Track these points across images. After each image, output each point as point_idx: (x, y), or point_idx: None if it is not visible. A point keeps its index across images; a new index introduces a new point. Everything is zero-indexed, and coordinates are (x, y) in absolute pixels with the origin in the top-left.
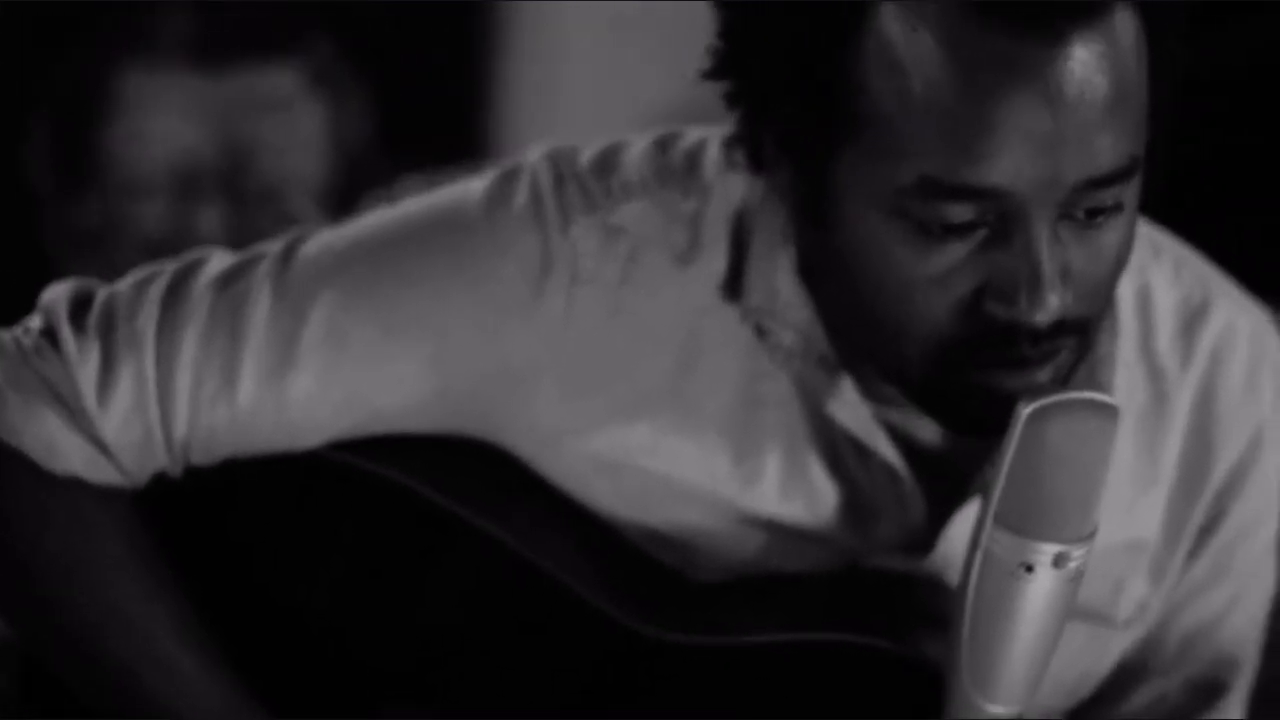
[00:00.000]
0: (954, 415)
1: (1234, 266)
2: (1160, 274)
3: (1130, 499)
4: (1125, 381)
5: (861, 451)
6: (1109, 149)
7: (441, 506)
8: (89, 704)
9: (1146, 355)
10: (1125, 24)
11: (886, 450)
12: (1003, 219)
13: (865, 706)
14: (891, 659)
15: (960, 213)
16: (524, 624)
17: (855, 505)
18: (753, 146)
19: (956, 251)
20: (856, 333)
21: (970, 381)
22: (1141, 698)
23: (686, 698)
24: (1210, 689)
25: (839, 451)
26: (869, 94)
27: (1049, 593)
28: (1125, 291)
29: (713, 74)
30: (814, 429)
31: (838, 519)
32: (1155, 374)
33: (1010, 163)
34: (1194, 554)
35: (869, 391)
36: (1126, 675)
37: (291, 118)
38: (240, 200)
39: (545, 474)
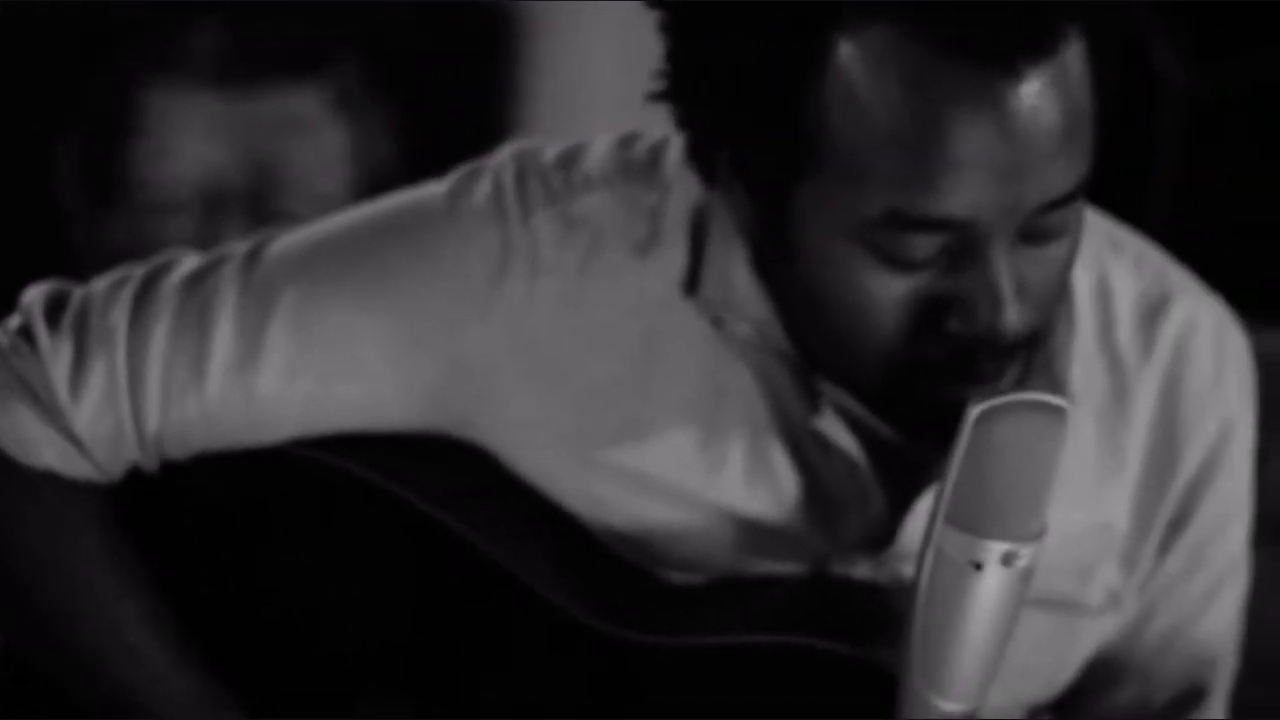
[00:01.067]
0: (909, 424)
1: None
2: (1120, 267)
3: (1094, 485)
4: (1084, 372)
5: (822, 442)
6: (1063, 173)
7: (408, 502)
8: (66, 694)
9: (1107, 347)
10: (1074, 52)
11: (845, 441)
12: (964, 245)
13: (820, 708)
14: (847, 661)
15: (925, 244)
16: (488, 622)
17: (818, 496)
18: (705, 165)
19: (919, 277)
20: (814, 344)
21: (927, 393)
22: (1123, 698)
23: (644, 697)
24: (1191, 690)
25: (800, 442)
26: (830, 129)
27: (998, 590)
28: (1084, 284)
29: (661, 97)
30: (775, 419)
31: (801, 510)
32: (1116, 365)
33: (971, 193)
34: (1165, 548)
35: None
36: (1107, 672)
37: (316, 138)
38: (264, 219)
39: (516, 470)
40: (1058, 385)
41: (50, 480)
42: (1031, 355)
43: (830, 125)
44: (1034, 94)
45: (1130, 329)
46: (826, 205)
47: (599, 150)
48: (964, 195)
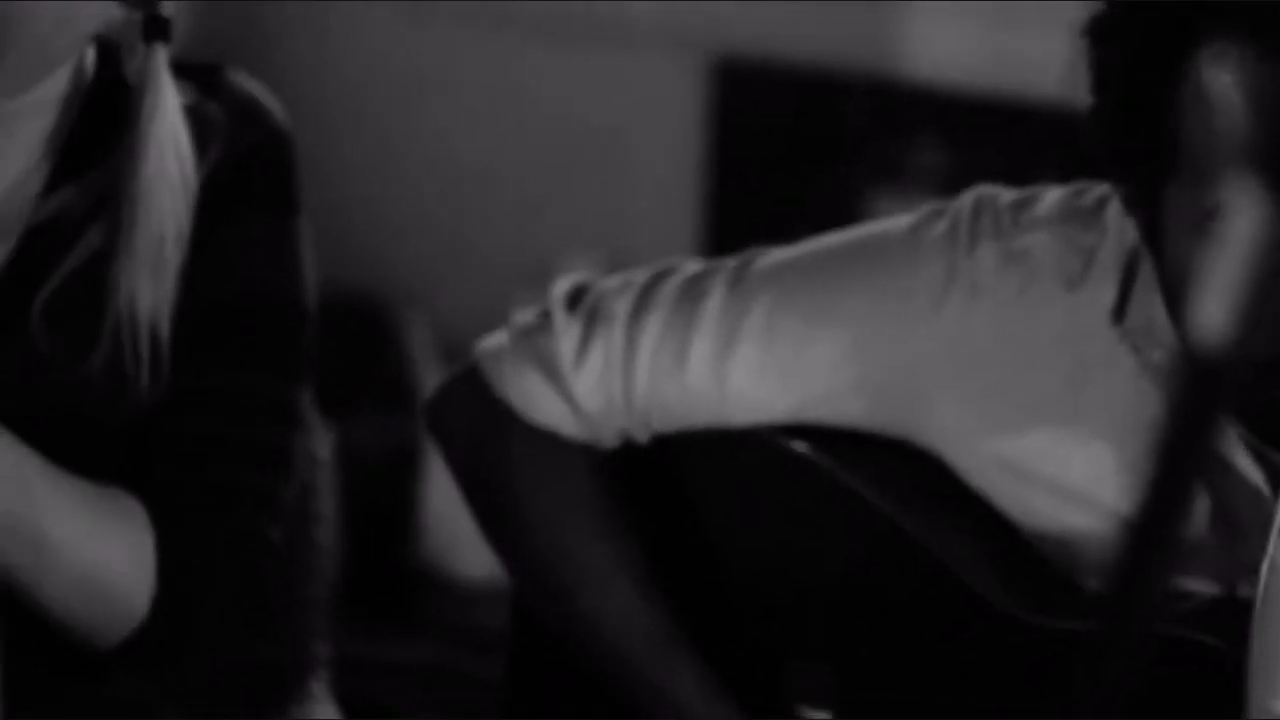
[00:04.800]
0: (1262, 425)
1: None
2: None
3: None
4: None
5: (1228, 469)
6: None
7: (853, 490)
8: (545, 622)
9: None
10: None
11: (1249, 469)
12: None
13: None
14: (1225, 657)
15: None
16: (912, 600)
17: (1224, 521)
18: (1123, 189)
19: None
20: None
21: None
22: None
23: (1051, 682)
24: None
25: (1209, 467)
26: (1186, 129)
27: None
28: None
29: (1091, 126)
30: None
31: (1207, 531)
32: None
33: None
34: None
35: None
36: None
37: None
38: None
39: (956, 471)
40: None
41: (549, 436)
42: None
43: (1186, 124)
44: None
45: None
46: (1182, 203)
47: (1052, 197)
48: None
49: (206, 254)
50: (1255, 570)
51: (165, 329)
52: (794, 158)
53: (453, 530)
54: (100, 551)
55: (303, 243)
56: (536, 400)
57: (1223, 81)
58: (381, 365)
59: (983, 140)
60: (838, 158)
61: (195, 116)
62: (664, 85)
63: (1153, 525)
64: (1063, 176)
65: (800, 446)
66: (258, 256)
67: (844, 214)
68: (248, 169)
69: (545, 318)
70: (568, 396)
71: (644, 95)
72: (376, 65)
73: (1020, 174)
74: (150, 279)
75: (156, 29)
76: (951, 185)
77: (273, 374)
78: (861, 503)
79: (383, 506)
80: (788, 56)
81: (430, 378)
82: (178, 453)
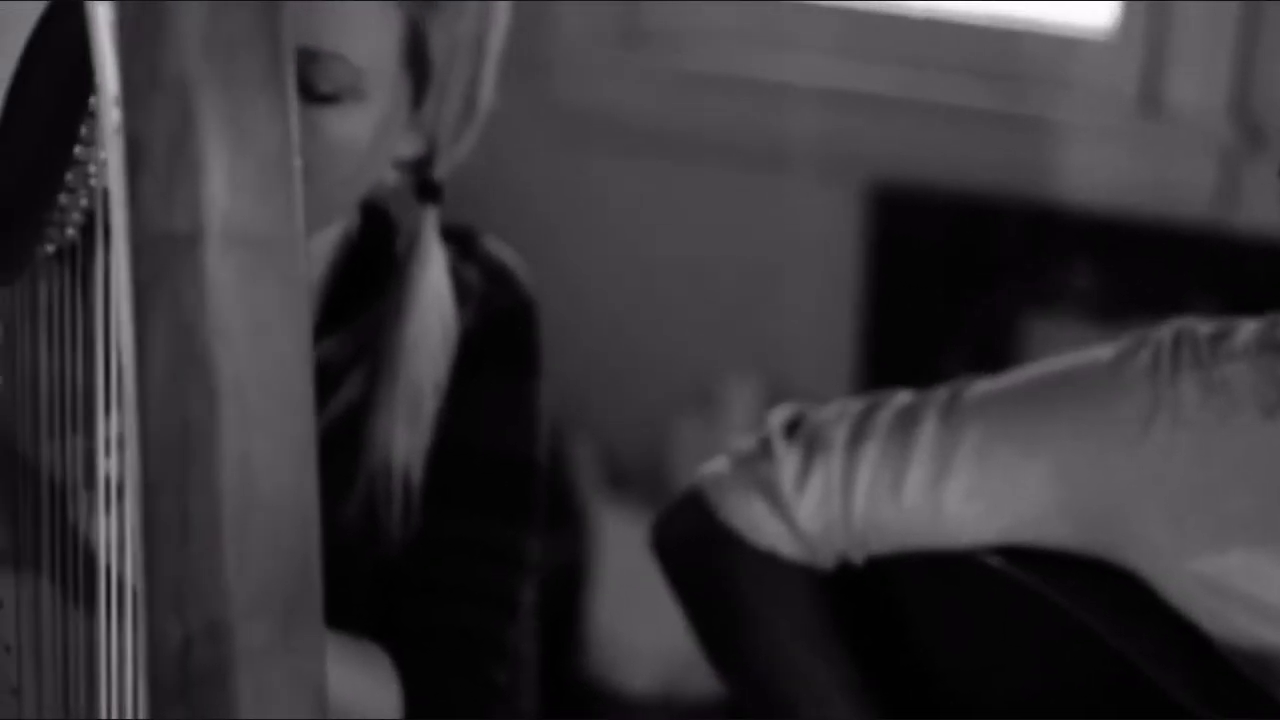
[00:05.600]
0: None
1: None
2: None
3: None
4: None
5: None
6: None
7: (1055, 603)
8: None
9: None
10: None
11: None
12: None
13: None
14: None
15: None
16: (1117, 712)
17: None
18: None
19: None
20: None
21: None
22: None
23: None
24: None
25: None
26: None
27: None
28: None
29: None
30: None
31: None
32: None
33: None
34: None
35: None
36: None
37: None
38: None
39: (1159, 590)
40: None
41: (771, 557)
42: None
43: None
44: None
45: None
46: None
47: (1248, 329)
48: None
49: (454, 408)
50: None
51: (417, 476)
52: (950, 282)
53: (619, 644)
54: (356, 693)
55: (541, 401)
56: (759, 523)
57: None
58: (549, 483)
59: (1136, 263)
60: (993, 282)
61: (454, 278)
62: (820, 212)
63: None
64: (1213, 298)
65: (997, 562)
66: (501, 414)
67: (1000, 339)
68: (498, 331)
69: (765, 446)
70: (789, 520)
71: (801, 221)
72: (534, 194)
73: (1172, 296)
74: (407, 429)
75: (429, 192)
76: (1106, 308)
77: (509, 526)
78: (1063, 616)
79: (551, 621)
80: (942, 182)
81: (594, 495)
82: (424, 599)
